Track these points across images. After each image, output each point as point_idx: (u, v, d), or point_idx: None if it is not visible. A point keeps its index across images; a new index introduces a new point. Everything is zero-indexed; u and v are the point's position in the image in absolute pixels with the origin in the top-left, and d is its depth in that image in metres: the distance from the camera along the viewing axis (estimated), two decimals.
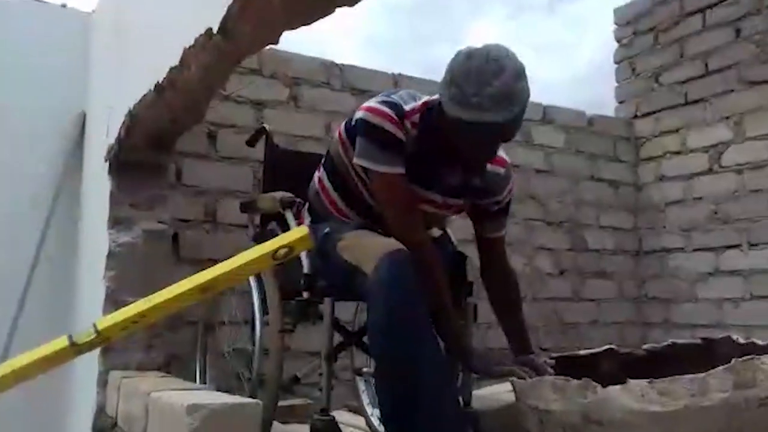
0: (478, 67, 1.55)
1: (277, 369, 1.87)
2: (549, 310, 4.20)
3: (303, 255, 1.83)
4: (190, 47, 1.65)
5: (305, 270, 1.81)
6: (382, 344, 1.55)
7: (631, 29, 4.93)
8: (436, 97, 1.71)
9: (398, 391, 1.51)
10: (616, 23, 5.05)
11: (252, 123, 3.36)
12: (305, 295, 1.80)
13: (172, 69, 1.79)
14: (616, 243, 4.63)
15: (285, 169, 2.22)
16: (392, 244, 1.60)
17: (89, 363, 2.20)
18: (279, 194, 1.92)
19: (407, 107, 1.72)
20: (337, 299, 1.80)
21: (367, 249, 1.62)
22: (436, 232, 2.13)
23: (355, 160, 1.73)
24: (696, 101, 4.43)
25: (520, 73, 1.57)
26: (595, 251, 4.51)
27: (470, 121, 1.56)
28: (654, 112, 4.70)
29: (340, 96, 3.59)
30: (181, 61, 1.73)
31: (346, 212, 1.88)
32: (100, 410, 2.12)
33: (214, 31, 1.53)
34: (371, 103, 1.72)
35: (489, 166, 1.80)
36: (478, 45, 1.61)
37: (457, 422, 1.54)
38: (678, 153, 4.53)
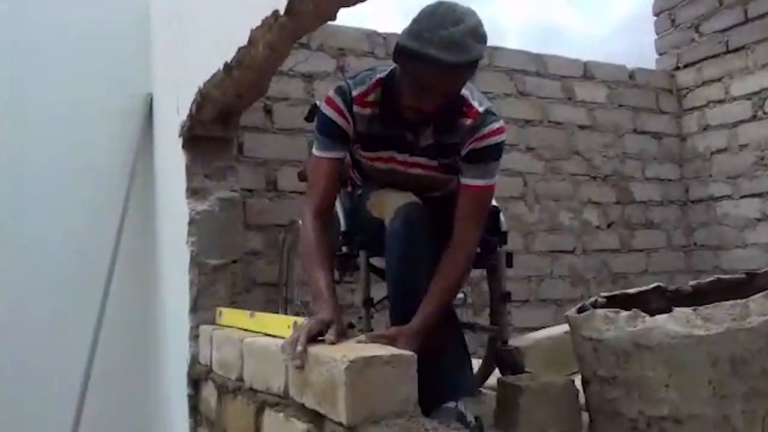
0: (442, 13, 1.64)
1: None
2: (599, 261, 4.32)
3: (340, 214, 2.06)
4: (257, 28, 1.80)
5: (342, 228, 2.04)
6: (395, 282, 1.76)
7: None
8: (389, 69, 1.86)
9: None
10: None
11: (303, 96, 3.53)
12: (344, 249, 2.03)
13: (240, 49, 1.94)
14: (663, 194, 4.69)
15: None
16: (405, 197, 1.77)
17: (180, 319, 2.43)
18: None
19: (356, 92, 1.83)
20: (371, 254, 1.97)
21: (386, 205, 1.80)
22: None
23: None
24: (737, 49, 4.43)
25: (475, 32, 1.63)
26: (641, 203, 4.58)
27: (414, 50, 1.63)
28: (695, 63, 4.71)
29: (384, 64, 3.72)
30: (249, 41, 1.87)
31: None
32: (194, 360, 2.34)
33: (281, 12, 1.67)
34: (330, 92, 1.87)
35: (460, 121, 1.83)
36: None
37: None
38: (721, 102, 4.55)
